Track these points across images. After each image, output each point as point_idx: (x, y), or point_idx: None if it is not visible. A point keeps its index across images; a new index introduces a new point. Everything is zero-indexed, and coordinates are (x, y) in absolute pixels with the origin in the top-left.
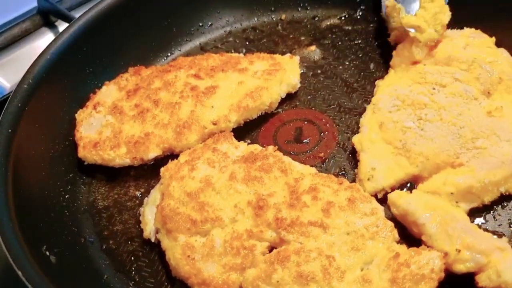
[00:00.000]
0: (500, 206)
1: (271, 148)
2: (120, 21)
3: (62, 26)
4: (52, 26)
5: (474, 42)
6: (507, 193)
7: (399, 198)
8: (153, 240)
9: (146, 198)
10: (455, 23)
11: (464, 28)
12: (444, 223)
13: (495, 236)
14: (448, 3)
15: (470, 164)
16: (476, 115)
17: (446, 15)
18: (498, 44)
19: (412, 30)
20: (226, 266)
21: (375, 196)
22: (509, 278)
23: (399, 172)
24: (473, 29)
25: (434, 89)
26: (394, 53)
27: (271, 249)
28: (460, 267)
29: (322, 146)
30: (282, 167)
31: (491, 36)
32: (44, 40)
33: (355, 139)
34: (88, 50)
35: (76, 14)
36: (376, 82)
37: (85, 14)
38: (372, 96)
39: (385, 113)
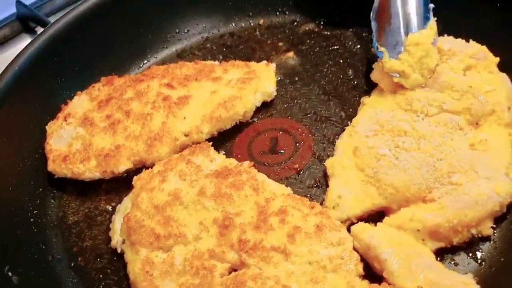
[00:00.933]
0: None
1: (246, 164)
2: (94, 29)
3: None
4: (31, 32)
5: (476, 65)
6: (479, 235)
7: (362, 231)
8: (119, 250)
9: (118, 205)
10: (462, 33)
11: (470, 41)
12: (407, 259)
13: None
14: (456, 12)
15: (442, 201)
16: (457, 147)
17: (433, 59)
18: (503, 65)
19: (396, 75)
20: (183, 285)
21: None
22: None
23: (366, 202)
24: (478, 46)
25: (418, 116)
26: (374, 66)
27: (231, 271)
28: None
29: (298, 157)
30: (254, 185)
31: (496, 54)
32: (23, 46)
33: (328, 163)
34: (60, 60)
35: (55, 20)
36: (362, 100)
37: (57, 22)
38: (350, 104)
39: (361, 137)
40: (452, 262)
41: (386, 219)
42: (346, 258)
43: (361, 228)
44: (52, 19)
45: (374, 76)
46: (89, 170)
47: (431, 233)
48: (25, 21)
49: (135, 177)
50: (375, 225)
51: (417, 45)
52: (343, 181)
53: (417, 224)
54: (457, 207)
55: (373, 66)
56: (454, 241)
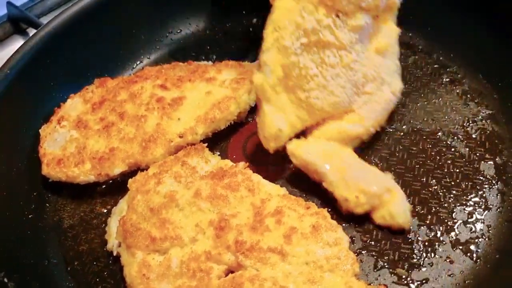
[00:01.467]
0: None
1: (241, 164)
2: (86, 30)
3: (32, 33)
4: (23, 33)
5: None
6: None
7: (297, 148)
8: (114, 253)
9: (114, 208)
10: None
11: None
12: (342, 171)
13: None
14: None
15: (361, 111)
16: (368, 55)
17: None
18: None
19: None
20: None
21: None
22: (400, 219)
23: (298, 124)
24: None
25: (339, 19)
26: None
27: (228, 272)
28: (359, 210)
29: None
30: (250, 186)
31: None
32: (15, 47)
33: (257, 81)
34: (52, 62)
35: (46, 21)
36: None
37: (48, 24)
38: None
39: (290, 54)
40: (448, 260)
41: (315, 132)
42: (342, 258)
43: (295, 145)
44: (43, 20)
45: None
46: (83, 173)
47: (353, 140)
48: (16, 22)
49: (130, 180)
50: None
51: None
52: (277, 108)
53: (343, 135)
54: (373, 117)
55: None
56: (365, 140)
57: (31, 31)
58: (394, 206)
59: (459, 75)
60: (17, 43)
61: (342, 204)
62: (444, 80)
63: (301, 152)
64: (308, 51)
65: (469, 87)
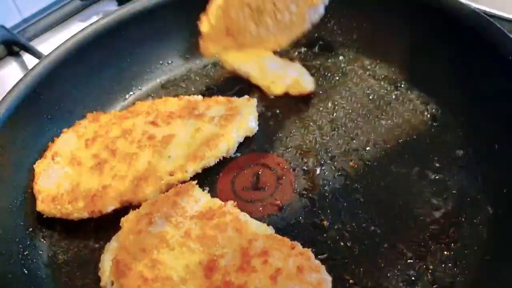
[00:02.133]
0: None
1: (230, 204)
2: (78, 65)
3: (25, 55)
4: (16, 55)
5: None
6: None
7: (228, 58)
8: None
9: (107, 244)
10: None
11: None
12: (261, 68)
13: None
14: None
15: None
16: None
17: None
18: None
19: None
20: None
21: None
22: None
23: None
24: None
25: None
26: None
27: None
28: (278, 91)
29: (279, 193)
30: (237, 226)
31: None
32: (8, 69)
33: (204, 28)
34: (46, 97)
35: (38, 43)
36: None
37: (42, 61)
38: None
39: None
40: None
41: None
42: None
43: (227, 56)
44: (35, 42)
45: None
46: (77, 211)
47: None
48: (9, 45)
49: (122, 219)
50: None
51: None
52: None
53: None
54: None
55: None
56: None
57: (23, 54)
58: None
59: (439, 111)
60: (10, 65)
61: (266, 91)
62: (426, 116)
63: (230, 62)
64: (251, 17)
65: (447, 124)
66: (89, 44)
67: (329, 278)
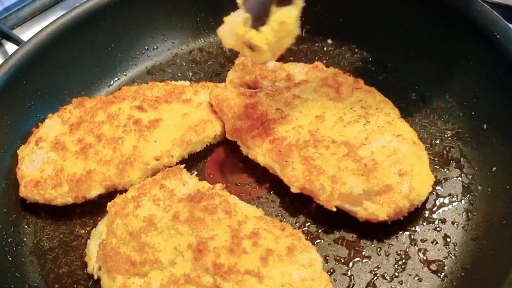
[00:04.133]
0: None
1: (218, 186)
2: (61, 50)
3: (7, 44)
4: None
5: None
6: None
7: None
8: (95, 277)
9: (93, 230)
10: None
11: None
12: None
13: None
14: None
15: None
16: None
17: (289, 41)
18: None
19: (250, 48)
20: None
21: None
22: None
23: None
24: None
25: None
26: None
27: None
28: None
29: (268, 176)
30: (227, 208)
31: None
32: None
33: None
34: (30, 82)
35: (20, 32)
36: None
37: (23, 46)
38: None
39: None
40: (417, 278)
41: None
42: (316, 280)
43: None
44: (18, 30)
45: (221, 31)
46: (61, 196)
47: None
48: None
49: (109, 203)
50: None
51: (282, 24)
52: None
53: None
54: None
55: (224, 19)
56: None
57: (6, 43)
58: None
59: (427, 94)
60: None
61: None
62: (413, 97)
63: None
64: None
65: (436, 105)
66: (70, 30)
67: (320, 258)
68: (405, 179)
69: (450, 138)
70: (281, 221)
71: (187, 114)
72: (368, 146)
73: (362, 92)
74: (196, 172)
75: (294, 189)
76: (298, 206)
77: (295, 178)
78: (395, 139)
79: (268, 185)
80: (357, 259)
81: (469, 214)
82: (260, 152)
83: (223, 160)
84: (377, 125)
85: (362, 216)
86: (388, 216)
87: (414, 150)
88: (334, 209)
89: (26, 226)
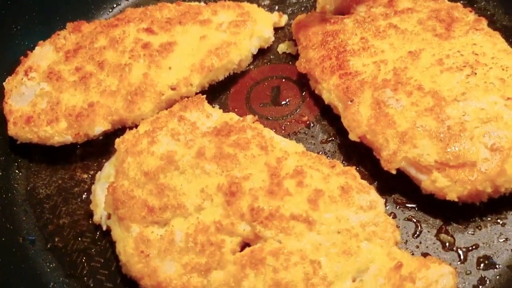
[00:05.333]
0: None
1: (249, 118)
2: None
3: None
4: None
5: None
6: None
7: None
8: (104, 227)
9: (98, 173)
10: None
11: None
12: None
13: None
14: None
15: None
16: None
17: None
18: None
19: None
20: (188, 266)
21: None
22: None
23: None
24: None
25: None
26: None
27: (243, 246)
28: None
29: (305, 108)
30: (262, 143)
31: None
32: None
33: None
34: (14, 5)
35: None
36: None
37: None
38: None
39: None
40: (499, 222)
41: None
42: (380, 225)
43: None
44: None
45: None
46: (58, 133)
47: None
48: None
49: (117, 140)
50: None
51: None
52: None
53: None
54: None
55: None
56: None
57: None
58: None
59: (489, 12)
60: None
61: None
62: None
63: None
64: None
65: (501, 25)
66: None
67: (381, 200)
68: (497, 156)
69: None
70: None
71: (205, 37)
72: (461, 104)
73: (480, 35)
74: (218, 106)
75: (352, 136)
76: (344, 142)
77: (357, 123)
78: (502, 102)
79: (306, 118)
80: (423, 201)
81: None
82: (326, 87)
83: (250, 91)
84: (485, 79)
85: (426, 188)
86: (459, 198)
87: None
88: (394, 172)
89: (17, 171)
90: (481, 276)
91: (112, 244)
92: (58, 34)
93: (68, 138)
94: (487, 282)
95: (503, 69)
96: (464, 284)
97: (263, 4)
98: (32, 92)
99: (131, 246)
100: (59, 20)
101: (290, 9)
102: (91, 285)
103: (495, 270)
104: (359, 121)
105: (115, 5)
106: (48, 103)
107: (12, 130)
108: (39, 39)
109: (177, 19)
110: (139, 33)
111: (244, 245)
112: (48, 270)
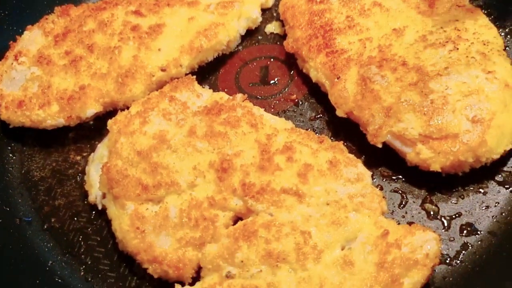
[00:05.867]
0: None
1: (239, 96)
2: None
3: None
4: None
5: None
6: None
7: None
8: (99, 207)
9: (92, 154)
10: None
11: None
12: None
13: None
14: None
15: None
16: None
17: None
18: None
19: None
20: (182, 240)
21: None
22: None
23: None
24: None
25: None
26: None
27: (236, 220)
28: None
29: (293, 86)
30: (252, 120)
31: None
32: None
33: None
34: None
35: None
36: None
37: None
38: None
39: None
40: (480, 191)
41: None
42: (367, 196)
43: None
44: None
45: None
46: (50, 117)
47: None
48: None
49: (110, 121)
50: None
51: None
52: None
53: None
54: None
55: None
56: None
57: None
58: None
59: None
60: None
61: None
62: None
63: None
64: None
65: (483, 2)
66: None
67: (368, 173)
68: (478, 128)
69: (503, 36)
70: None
71: (194, 18)
72: (444, 78)
73: (462, 11)
74: (208, 87)
75: (339, 112)
76: (333, 119)
77: (344, 99)
78: (483, 76)
79: (294, 96)
80: (407, 173)
81: None
82: (313, 66)
83: (239, 71)
84: (467, 54)
85: (411, 160)
86: (442, 168)
87: (503, 95)
88: (380, 146)
89: (10, 155)
90: (464, 242)
91: (108, 222)
92: (47, 19)
93: (61, 121)
94: (469, 247)
95: (484, 44)
96: (448, 250)
97: None
98: (23, 76)
99: (127, 223)
100: (46, 5)
101: None
102: (89, 262)
103: (476, 236)
104: (345, 97)
105: None
106: (39, 87)
107: (4, 115)
108: (27, 24)
109: (165, 1)
110: (127, 15)
111: (237, 219)
112: (46, 249)
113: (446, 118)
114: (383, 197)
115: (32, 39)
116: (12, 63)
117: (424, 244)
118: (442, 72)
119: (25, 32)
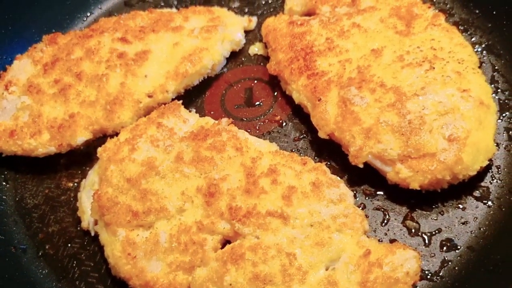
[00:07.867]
0: None
1: (224, 121)
2: None
3: None
4: None
5: None
6: None
7: None
8: (92, 233)
9: (83, 181)
10: None
11: None
12: None
13: None
14: None
15: None
16: None
17: None
18: None
19: None
20: (173, 264)
21: None
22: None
23: None
24: None
25: None
26: None
27: (224, 243)
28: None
29: (277, 107)
30: (237, 144)
31: None
32: None
33: None
34: None
35: None
36: None
37: None
38: None
39: None
40: (460, 207)
41: None
42: (350, 216)
43: None
44: None
45: None
46: (42, 145)
47: None
48: None
49: (99, 148)
50: None
51: None
52: None
53: None
54: None
55: None
56: None
57: None
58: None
59: (447, 6)
60: None
61: None
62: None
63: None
64: None
65: (459, 18)
66: None
67: (350, 193)
68: (454, 146)
69: (479, 52)
70: (300, 155)
71: (178, 43)
72: (421, 98)
73: (438, 30)
74: (194, 110)
75: (321, 134)
76: (316, 139)
77: (325, 121)
78: (458, 94)
79: (278, 117)
80: (388, 192)
81: (510, 132)
82: (296, 88)
83: (224, 94)
84: (442, 73)
85: (391, 179)
86: (421, 186)
87: (478, 113)
88: (361, 166)
89: (4, 183)
90: (444, 258)
91: (101, 248)
92: (35, 47)
93: (52, 149)
94: (449, 263)
95: (459, 63)
96: (429, 266)
97: (233, 6)
98: (13, 106)
99: (119, 249)
100: (35, 33)
101: (260, 11)
102: (83, 287)
103: (456, 251)
104: (327, 119)
105: (88, 14)
106: (30, 116)
107: None
108: (16, 52)
109: (150, 27)
110: (114, 42)
111: (225, 242)
112: (41, 276)
113: (424, 138)
114: (366, 216)
115: (22, 68)
116: (3, 93)
117: (404, 263)
118: (419, 92)
119: (15, 62)
